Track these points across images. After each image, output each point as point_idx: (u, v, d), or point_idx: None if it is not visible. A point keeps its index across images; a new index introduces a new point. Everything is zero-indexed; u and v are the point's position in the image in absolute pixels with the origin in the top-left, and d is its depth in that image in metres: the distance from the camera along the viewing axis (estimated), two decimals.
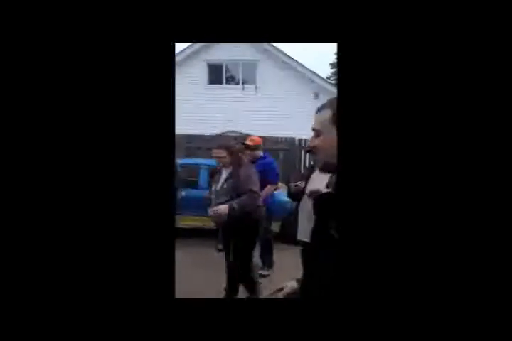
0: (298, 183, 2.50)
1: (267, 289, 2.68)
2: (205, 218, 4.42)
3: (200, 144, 7.27)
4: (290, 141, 8.26)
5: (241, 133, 7.58)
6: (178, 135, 7.15)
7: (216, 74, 10.17)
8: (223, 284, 2.91)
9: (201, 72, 10.03)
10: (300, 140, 8.16)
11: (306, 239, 2.02)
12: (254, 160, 3.64)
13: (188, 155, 6.71)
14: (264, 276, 3.56)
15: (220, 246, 4.15)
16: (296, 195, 2.45)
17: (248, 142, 3.72)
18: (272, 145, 7.42)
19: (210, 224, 4.38)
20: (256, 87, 9.66)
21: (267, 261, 3.76)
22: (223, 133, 8.37)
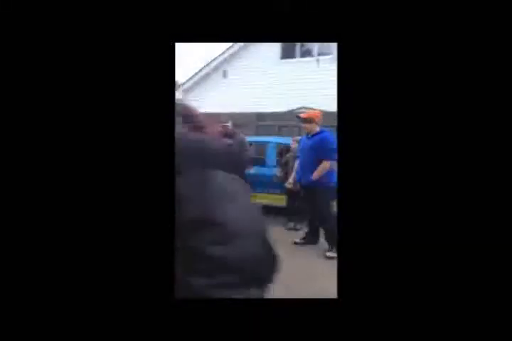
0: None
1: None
2: (273, 195, 4.39)
3: (272, 122, 7.08)
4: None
5: (313, 109, 7.11)
6: (249, 113, 7.03)
7: (289, 48, 9.32)
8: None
9: (273, 46, 9.24)
10: None
11: None
12: (310, 135, 3.54)
13: (260, 134, 6.57)
14: (331, 258, 3.42)
15: (291, 225, 4.09)
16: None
17: (301, 115, 3.59)
18: None
19: (278, 202, 4.35)
20: (332, 58, 8.39)
21: (333, 243, 3.56)
22: (294, 109, 7.97)
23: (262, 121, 7.14)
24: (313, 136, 3.53)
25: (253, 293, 0.72)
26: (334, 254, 3.42)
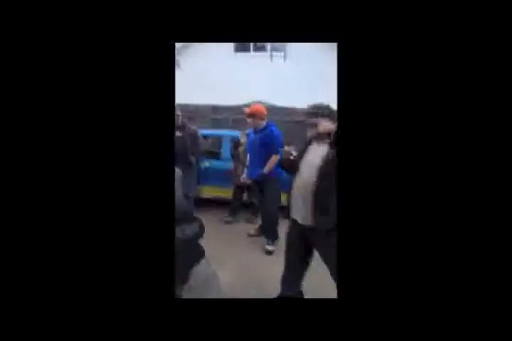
0: (289, 150, 2.23)
1: (275, 264, 2.66)
2: (224, 189, 4.46)
3: (227, 115, 7.09)
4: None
5: (266, 103, 7.22)
6: (204, 105, 7.02)
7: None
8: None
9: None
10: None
11: (304, 223, 1.92)
12: (256, 129, 3.48)
13: (214, 127, 6.56)
14: (269, 252, 3.48)
15: (229, 219, 4.13)
16: (288, 166, 2.23)
17: (245, 110, 3.54)
18: (300, 116, 7.06)
19: (228, 195, 4.42)
20: (284, 56, 8.77)
21: (271, 236, 3.65)
22: (249, 103, 8.04)
23: (216, 114, 7.13)
24: (260, 130, 3.49)
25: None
26: (273, 247, 3.53)
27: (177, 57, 9.40)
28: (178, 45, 9.34)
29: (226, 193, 4.49)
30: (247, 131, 3.86)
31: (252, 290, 2.56)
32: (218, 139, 4.97)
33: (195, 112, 5.51)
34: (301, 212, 1.91)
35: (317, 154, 1.87)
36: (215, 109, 7.19)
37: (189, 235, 0.93)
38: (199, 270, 1.00)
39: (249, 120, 3.46)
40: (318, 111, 1.93)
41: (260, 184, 3.55)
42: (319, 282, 2.48)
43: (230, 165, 4.48)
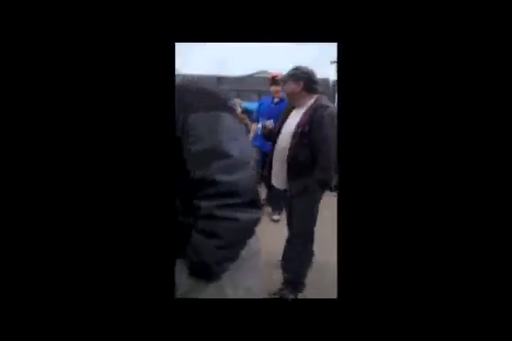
0: (269, 123, 2.25)
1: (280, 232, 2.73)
2: None
3: (232, 86, 6.99)
4: (324, 82, 7.01)
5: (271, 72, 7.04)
6: (208, 76, 6.95)
7: None
8: None
9: None
10: (335, 81, 7.25)
11: (279, 187, 2.02)
12: (277, 100, 3.24)
13: None
14: (276, 221, 3.44)
15: (277, 217, 3.71)
16: (268, 136, 2.26)
17: (275, 75, 3.27)
18: None
19: None
20: None
21: (275, 206, 3.50)
22: (254, 73, 7.86)
23: (221, 85, 7.05)
24: (281, 101, 3.20)
25: (250, 213, 0.86)
26: (279, 217, 3.50)
27: None
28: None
29: None
30: (263, 100, 3.60)
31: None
32: None
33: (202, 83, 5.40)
34: (278, 176, 2.02)
35: (294, 120, 1.91)
36: (219, 79, 7.08)
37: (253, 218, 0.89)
38: (251, 244, 1.02)
39: (276, 88, 3.21)
40: (289, 73, 2.00)
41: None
42: (319, 282, 2.49)
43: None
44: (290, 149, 1.86)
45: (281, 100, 3.27)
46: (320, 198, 2.00)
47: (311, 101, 1.94)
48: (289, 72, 2.00)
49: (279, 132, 2.01)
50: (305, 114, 1.88)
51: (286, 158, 1.89)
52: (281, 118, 2.08)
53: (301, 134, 1.82)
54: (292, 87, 1.94)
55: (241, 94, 6.64)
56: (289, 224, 2.20)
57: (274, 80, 3.29)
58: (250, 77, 7.05)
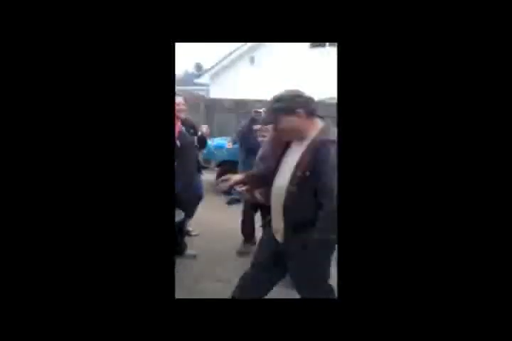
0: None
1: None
2: None
3: None
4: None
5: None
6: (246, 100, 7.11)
7: None
8: None
9: None
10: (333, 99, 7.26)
11: (279, 239, 1.53)
12: None
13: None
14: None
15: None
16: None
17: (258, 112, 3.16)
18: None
19: None
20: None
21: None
22: (322, 99, 7.74)
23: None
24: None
25: None
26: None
27: (252, 54, 9.45)
28: (252, 43, 9.33)
29: None
30: None
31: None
32: None
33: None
34: (277, 227, 1.55)
35: (293, 158, 1.47)
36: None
37: None
38: None
39: (259, 127, 2.81)
40: (275, 106, 1.45)
41: None
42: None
43: None
44: (286, 198, 1.43)
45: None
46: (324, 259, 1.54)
47: (313, 135, 1.45)
48: (276, 104, 1.45)
49: (275, 172, 1.55)
50: (306, 152, 1.40)
51: (282, 208, 1.47)
52: (276, 155, 1.62)
53: (301, 179, 1.39)
54: (293, 121, 1.43)
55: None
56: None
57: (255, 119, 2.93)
58: (321, 102, 7.07)
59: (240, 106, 7.47)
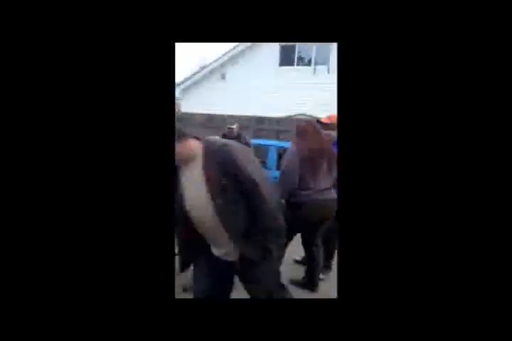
0: None
1: None
2: None
3: (270, 126, 7.25)
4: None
5: (311, 116, 6.97)
6: (248, 117, 7.26)
7: (287, 56, 9.54)
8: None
9: (272, 54, 9.49)
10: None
11: (226, 258, 1.44)
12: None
13: (257, 137, 6.66)
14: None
15: None
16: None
17: (324, 120, 2.86)
18: None
19: None
20: (328, 69, 8.62)
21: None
22: (293, 115, 8.01)
23: (260, 125, 7.31)
24: (334, 144, 2.65)
25: None
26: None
27: (223, 71, 9.68)
28: (225, 57, 9.58)
29: None
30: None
31: None
32: (261, 149, 5.08)
33: (240, 122, 5.57)
34: (219, 246, 1.46)
35: (193, 178, 1.36)
36: (259, 120, 7.35)
37: None
38: None
39: (328, 132, 2.72)
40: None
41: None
42: (319, 282, 2.49)
43: (275, 174, 4.49)
44: (221, 214, 1.34)
45: (334, 144, 2.66)
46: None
47: (199, 152, 1.36)
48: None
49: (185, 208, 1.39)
50: (205, 165, 1.32)
51: (219, 224, 1.36)
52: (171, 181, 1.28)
53: (221, 191, 1.31)
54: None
55: (280, 134, 6.90)
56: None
57: (330, 125, 2.81)
58: (289, 118, 7.25)
59: (211, 121, 7.61)
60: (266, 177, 1.38)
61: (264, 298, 1.36)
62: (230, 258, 1.43)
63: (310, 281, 2.54)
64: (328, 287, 2.45)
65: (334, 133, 2.72)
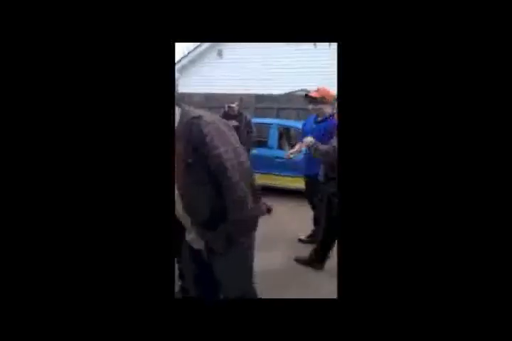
0: (305, 140, 2.20)
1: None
2: (273, 176, 4.55)
3: (270, 104, 7.04)
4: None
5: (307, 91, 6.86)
6: (248, 95, 7.08)
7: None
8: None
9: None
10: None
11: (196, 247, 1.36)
12: (319, 118, 2.79)
13: (258, 115, 6.49)
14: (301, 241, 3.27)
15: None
16: (323, 156, 2.30)
17: (311, 94, 2.78)
18: None
19: (278, 183, 4.49)
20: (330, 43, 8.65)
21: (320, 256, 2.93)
22: (293, 92, 7.84)
23: (260, 103, 7.10)
24: (325, 118, 2.75)
25: None
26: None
27: (219, 47, 9.43)
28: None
29: (273, 180, 4.55)
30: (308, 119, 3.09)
31: None
32: (263, 127, 5.00)
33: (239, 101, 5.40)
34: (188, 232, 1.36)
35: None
36: (258, 97, 7.12)
37: None
38: None
39: (314, 106, 2.77)
40: None
41: (317, 185, 2.76)
42: (319, 282, 2.50)
43: (276, 152, 4.51)
44: (180, 195, 1.21)
45: (324, 119, 2.81)
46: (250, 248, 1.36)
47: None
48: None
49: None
50: (176, 140, 1.11)
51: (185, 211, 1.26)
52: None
53: (186, 169, 1.16)
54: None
55: (280, 112, 6.72)
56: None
57: (315, 99, 2.82)
58: (289, 94, 7.07)
59: (210, 100, 7.14)
60: (241, 162, 1.20)
61: (235, 298, 1.24)
62: (195, 246, 1.31)
63: (320, 257, 2.63)
64: (328, 287, 2.45)
65: (326, 108, 2.73)
